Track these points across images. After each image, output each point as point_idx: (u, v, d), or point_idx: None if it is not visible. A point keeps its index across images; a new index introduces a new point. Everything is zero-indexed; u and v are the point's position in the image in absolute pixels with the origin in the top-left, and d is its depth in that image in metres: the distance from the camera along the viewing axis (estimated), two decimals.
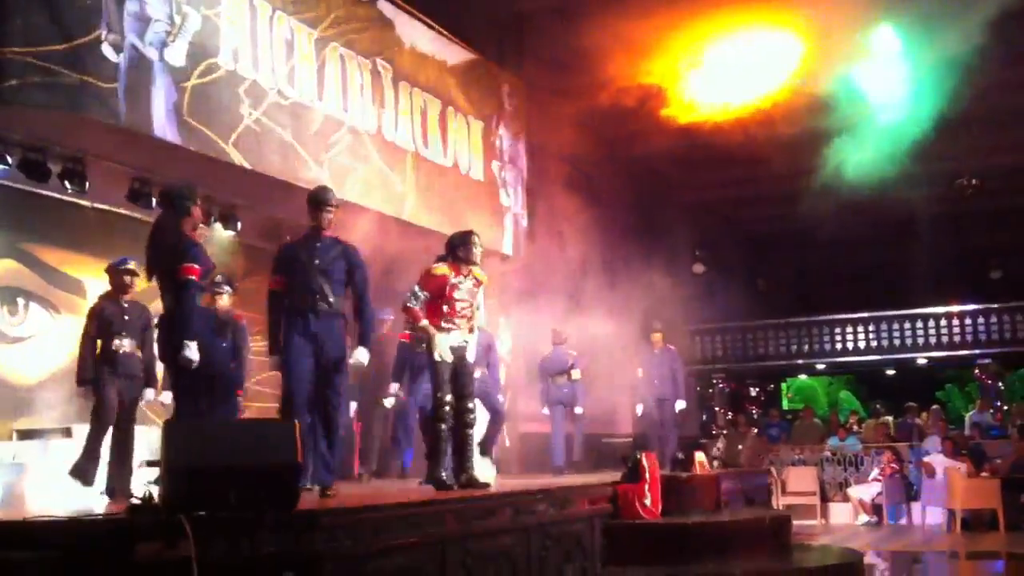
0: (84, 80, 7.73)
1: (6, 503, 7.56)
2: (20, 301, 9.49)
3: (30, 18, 7.51)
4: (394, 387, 9.63)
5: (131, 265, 7.76)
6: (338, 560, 4.66)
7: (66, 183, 8.91)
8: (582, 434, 11.67)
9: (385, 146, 11.19)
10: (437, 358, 7.06)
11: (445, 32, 12.45)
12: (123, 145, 8.70)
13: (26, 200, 9.22)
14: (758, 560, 7.56)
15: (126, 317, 7.69)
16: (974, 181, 17.65)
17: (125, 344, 7.60)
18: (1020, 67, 12.10)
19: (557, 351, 11.59)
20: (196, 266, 6.49)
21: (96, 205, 9.71)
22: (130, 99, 8.07)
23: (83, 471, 7.42)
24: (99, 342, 7.62)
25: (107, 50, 7.92)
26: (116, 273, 7.79)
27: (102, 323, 7.63)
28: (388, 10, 11.48)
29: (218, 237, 10.98)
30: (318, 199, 6.84)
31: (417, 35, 11.94)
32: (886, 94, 11.67)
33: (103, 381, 7.50)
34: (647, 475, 7.82)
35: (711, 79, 11.67)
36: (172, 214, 6.78)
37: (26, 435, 8.85)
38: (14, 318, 9.42)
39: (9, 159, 8.48)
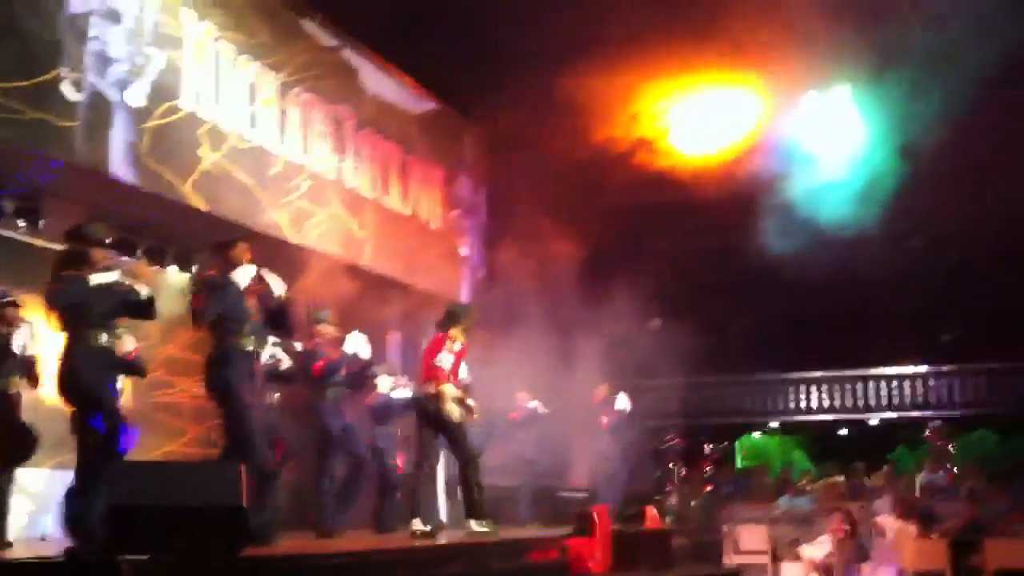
0: (43, 118, 7.68)
1: None
2: None
3: None
4: None
5: (10, 298, 7.23)
6: None
7: (19, 221, 8.77)
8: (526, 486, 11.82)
9: (345, 192, 11.20)
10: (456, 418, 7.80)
11: (409, 81, 12.52)
12: (79, 184, 8.60)
13: None
14: None
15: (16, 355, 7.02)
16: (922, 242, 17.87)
17: (15, 383, 6.97)
18: (967, 125, 12.26)
19: None
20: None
21: (49, 245, 9.57)
22: (88, 138, 8.03)
23: None
24: None
25: (67, 89, 7.89)
26: None
27: None
28: (352, 58, 11.56)
29: (173, 280, 10.87)
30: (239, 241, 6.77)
31: (380, 83, 12.02)
32: (841, 153, 11.90)
33: None
34: (598, 530, 7.80)
35: (678, 131, 11.88)
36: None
37: None
38: None
39: None
